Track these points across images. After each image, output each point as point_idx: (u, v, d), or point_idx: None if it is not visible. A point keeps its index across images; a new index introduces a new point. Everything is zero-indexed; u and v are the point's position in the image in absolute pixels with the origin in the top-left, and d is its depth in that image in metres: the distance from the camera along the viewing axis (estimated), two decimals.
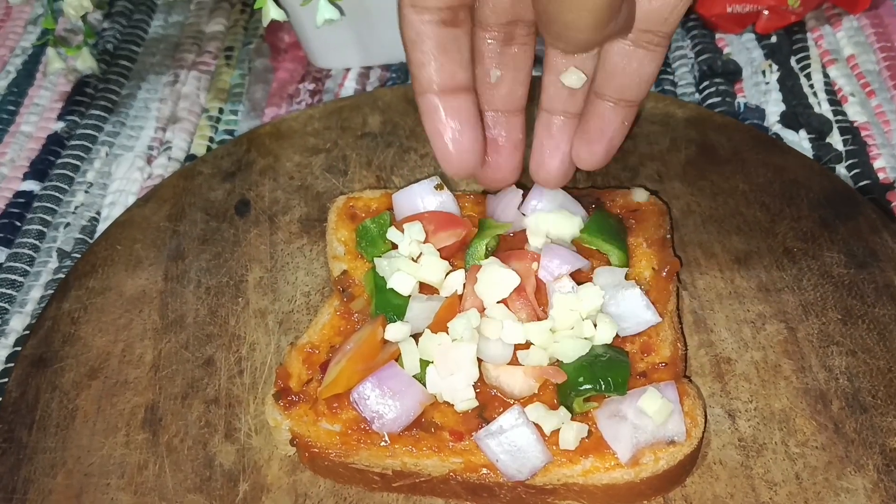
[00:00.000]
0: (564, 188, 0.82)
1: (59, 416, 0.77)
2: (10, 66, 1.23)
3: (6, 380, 0.82)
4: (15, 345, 0.90)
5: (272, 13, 0.95)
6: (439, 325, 0.72)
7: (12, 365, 0.84)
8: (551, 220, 0.79)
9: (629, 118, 0.71)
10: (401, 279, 0.76)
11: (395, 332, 0.73)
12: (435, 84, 0.68)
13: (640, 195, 0.84)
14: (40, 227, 1.01)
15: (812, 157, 1.01)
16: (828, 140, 1.04)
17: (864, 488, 0.68)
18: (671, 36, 0.68)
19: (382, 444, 0.70)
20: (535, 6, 0.61)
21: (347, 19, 1.07)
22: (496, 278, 0.74)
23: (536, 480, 0.68)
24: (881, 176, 0.99)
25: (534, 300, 0.75)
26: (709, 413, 0.73)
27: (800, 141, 1.04)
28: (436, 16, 0.65)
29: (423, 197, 0.83)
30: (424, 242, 0.79)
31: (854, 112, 1.07)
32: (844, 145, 1.03)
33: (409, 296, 0.76)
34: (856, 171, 1.00)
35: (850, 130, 1.05)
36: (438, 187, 0.83)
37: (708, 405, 0.73)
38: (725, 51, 1.17)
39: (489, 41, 0.69)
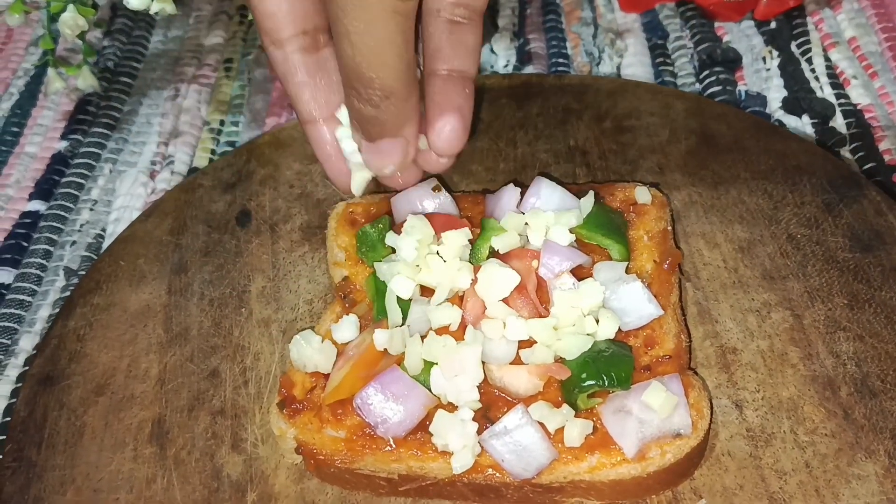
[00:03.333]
0: (562, 184, 0.82)
1: (67, 434, 0.77)
2: (13, 88, 1.23)
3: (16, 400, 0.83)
4: (25, 364, 0.91)
5: None
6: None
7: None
8: (550, 217, 0.79)
9: (469, 89, 0.73)
10: (401, 283, 0.76)
11: (394, 338, 0.73)
12: (315, 113, 0.72)
13: (642, 195, 0.83)
14: (47, 247, 1.02)
15: (815, 142, 1.00)
16: (831, 124, 1.03)
17: (875, 474, 0.67)
18: (482, 12, 0.71)
19: (387, 448, 0.70)
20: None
21: None
22: (497, 278, 0.74)
23: (543, 479, 0.67)
24: (886, 158, 0.99)
25: (535, 298, 0.75)
26: (716, 404, 0.72)
27: (803, 126, 1.04)
28: (296, 45, 0.68)
29: (422, 199, 0.83)
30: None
31: (857, 95, 1.06)
32: (848, 128, 1.03)
33: (410, 299, 0.76)
34: (860, 154, 0.99)
35: (853, 113, 1.04)
36: (436, 189, 0.83)
37: (715, 396, 0.73)
38: (725, 39, 1.16)
39: None
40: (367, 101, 0.66)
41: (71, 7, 0.97)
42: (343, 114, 0.75)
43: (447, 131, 0.72)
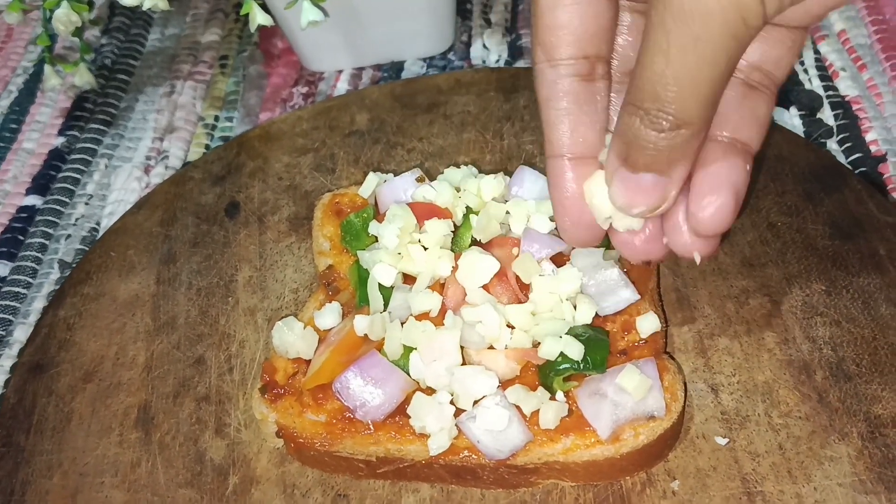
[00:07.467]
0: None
1: (55, 420, 0.78)
2: (12, 86, 1.25)
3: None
4: (19, 354, 0.92)
5: (259, 18, 0.96)
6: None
7: None
8: (531, 205, 0.80)
9: (750, 164, 0.62)
10: (383, 270, 0.77)
11: (374, 323, 0.74)
12: (566, 148, 0.63)
13: None
14: (42, 240, 1.03)
15: (803, 134, 1.01)
16: (819, 116, 1.04)
17: (848, 456, 0.68)
18: (780, 83, 0.63)
19: (366, 432, 0.71)
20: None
21: (336, 21, 1.08)
22: (477, 265, 0.75)
23: (518, 460, 0.68)
24: (873, 149, 0.99)
25: (515, 285, 0.75)
26: (692, 388, 0.73)
27: (790, 118, 1.04)
28: (571, 69, 0.60)
29: (406, 189, 0.84)
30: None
31: (845, 87, 1.07)
32: (836, 120, 1.03)
33: (392, 286, 0.77)
34: (847, 144, 1.00)
35: (841, 105, 1.04)
36: (420, 179, 0.84)
37: (691, 380, 0.73)
38: None
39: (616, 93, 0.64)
40: (653, 125, 0.55)
41: (64, 3, 0.99)
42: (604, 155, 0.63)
43: (714, 208, 0.59)
